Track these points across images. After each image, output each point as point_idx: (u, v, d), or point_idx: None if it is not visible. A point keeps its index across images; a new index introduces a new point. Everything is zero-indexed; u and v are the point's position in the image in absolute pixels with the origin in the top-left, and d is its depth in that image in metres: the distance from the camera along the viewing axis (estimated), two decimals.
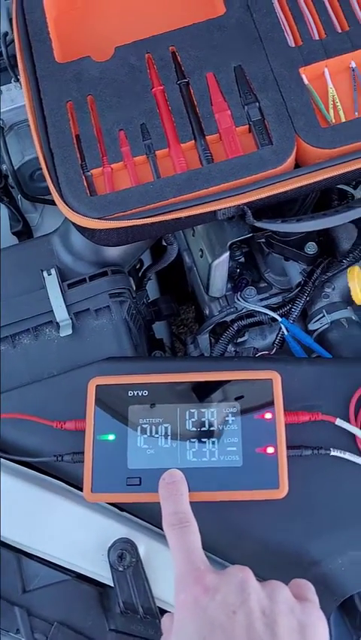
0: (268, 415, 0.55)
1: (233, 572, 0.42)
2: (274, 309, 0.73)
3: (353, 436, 0.57)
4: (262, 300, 0.79)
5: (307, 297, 0.70)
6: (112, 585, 0.56)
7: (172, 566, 0.56)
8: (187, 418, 0.55)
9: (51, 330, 0.65)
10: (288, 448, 0.54)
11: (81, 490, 0.55)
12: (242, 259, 0.84)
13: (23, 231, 0.87)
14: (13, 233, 0.88)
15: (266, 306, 0.74)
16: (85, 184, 0.59)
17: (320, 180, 0.57)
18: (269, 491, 0.53)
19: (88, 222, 0.57)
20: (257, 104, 0.59)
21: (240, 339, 0.78)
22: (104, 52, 0.64)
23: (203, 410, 0.56)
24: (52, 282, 0.65)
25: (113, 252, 0.69)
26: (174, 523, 0.46)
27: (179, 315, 0.92)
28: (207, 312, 0.87)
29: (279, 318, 0.69)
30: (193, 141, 0.60)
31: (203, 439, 0.55)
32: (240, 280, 0.83)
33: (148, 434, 0.55)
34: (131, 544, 0.57)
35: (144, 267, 0.81)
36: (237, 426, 0.55)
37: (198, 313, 0.96)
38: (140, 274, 0.81)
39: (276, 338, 0.71)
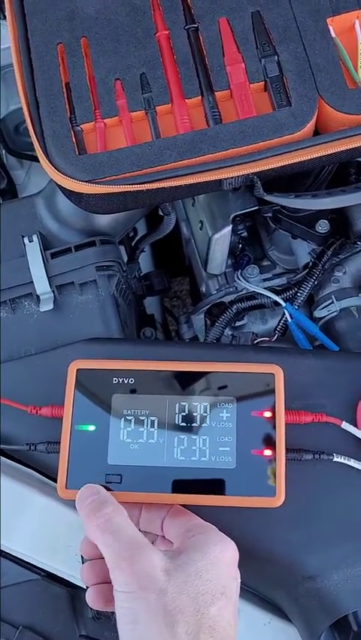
0: (267, 414, 0.50)
1: None
2: (277, 292, 0.66)
3: (359, 440, 0.51)
4: (264, 280, 0.73)
5: (315, 280, 0.64)
6: (84, 587, 0.52)
7: None
8: (177, 411, 0.50)
9: (30, 304, 0.60)
10: (287, 451, 0.49)
11: (56, 482, 0.50)
12: (245, 233, 0.77)
13: (7, 190, 0.80)
14: None
15: (269, 288, 0.67)
16: (73, 140, 0.52)
17: (342, 151, 0.50)
18: (264, 499, 0.48)
19: (75, 185, 0.50)
20: (276, 57, 0.52)
21: (238, 323, 0.71)
22: None
23: (195, 403, 0.51)
24: (33, 249, 0.59)
25: (103, 220, 0.62)
26: None
27: (170, 288, 0.86)
28: (203, 289, 0.80)
29: (283, 303, 0.63)
30: (200, 97, 0.53)
31: (193, 436, 0.50)
32: (241, 257, 0.76)
33: (132, 427, 0.50)
34: None
35: (137, 238, 0.74)
36: (232, 423, 0.50)
37: (193, 288, 0.90)
38: (132, 245, 0.74)
39: (278, 324, 0.65)
